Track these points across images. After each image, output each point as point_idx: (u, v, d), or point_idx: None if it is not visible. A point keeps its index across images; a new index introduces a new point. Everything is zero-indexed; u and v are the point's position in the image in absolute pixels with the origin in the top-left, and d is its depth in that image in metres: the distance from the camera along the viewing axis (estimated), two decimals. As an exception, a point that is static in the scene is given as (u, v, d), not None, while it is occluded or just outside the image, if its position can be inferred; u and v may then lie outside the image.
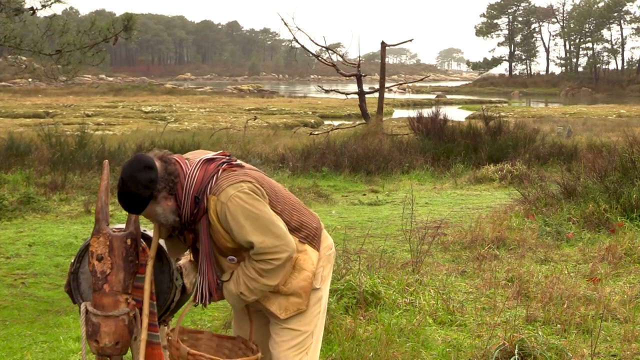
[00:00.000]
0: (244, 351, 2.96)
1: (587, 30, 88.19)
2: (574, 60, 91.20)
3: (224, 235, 2.76)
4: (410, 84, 63.18)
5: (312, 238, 2.94)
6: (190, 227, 2.84)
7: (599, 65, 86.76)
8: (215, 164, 2.80)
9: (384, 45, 20.42)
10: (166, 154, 2.79)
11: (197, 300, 2.86)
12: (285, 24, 20.67)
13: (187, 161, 2.82)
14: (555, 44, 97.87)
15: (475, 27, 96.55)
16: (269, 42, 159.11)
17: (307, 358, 2.96)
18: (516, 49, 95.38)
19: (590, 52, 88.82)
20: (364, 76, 21.00)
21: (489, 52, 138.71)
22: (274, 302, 2.86)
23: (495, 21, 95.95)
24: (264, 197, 2.77)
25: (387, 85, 21.58)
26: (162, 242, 3.21)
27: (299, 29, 20.89)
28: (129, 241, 2.92)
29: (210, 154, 2.87)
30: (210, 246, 2.80)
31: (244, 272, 2.78)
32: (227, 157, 2.86)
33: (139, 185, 2.69)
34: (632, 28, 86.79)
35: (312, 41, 20.90)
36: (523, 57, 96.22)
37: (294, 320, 2.90)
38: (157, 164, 2.73)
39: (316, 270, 2.92)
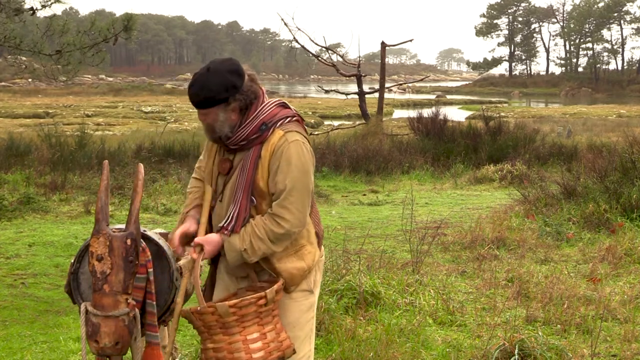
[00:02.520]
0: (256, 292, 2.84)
1: (587, 30, 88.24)
2: (574, 60, 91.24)
3: (263, 172, 2.73)
4: (410, 84, 63.18)
5: (319, 237, 2.96)
6: (233, 149, 2.79)
7: (599, 65, 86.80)
8: (292, 111, 2.84)
9: (384, 45, 20.42)
10: (256, 76, 2.82)
11: (224, 223, 2.77)
12: (285, 24, 20.70)
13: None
14: (555, 44, 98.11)
15: (475, 27, 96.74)
16: (269, 42, 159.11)
17: None
18: (516, 49, 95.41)
19: (590, 52, 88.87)
20: (364, 76, 21.01)
21: (489, 52, 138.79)
22: (262, 262, 2.82)
23: (495, 21, 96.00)
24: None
25: (387, 85, 21.59)
26: (163, 242, 3.21)
27: (299, 29, 20.93)
28: (129, 241, 2.92)
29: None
30: (253, 175, 2.74)
31: (253, 230, 2.72)
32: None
33: (222, 83, 2.69)
34: (632, 28, 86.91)
35: (312, 41, 20.95)
36: (523, 57, 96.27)
37: (289, 327, 2.86)
38: (246, 77, 2.75)
39: (313, 268, 2.91)
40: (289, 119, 2.79)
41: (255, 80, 2.78)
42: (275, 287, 2.73)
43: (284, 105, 2.85)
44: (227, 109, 2.72)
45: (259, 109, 2.77)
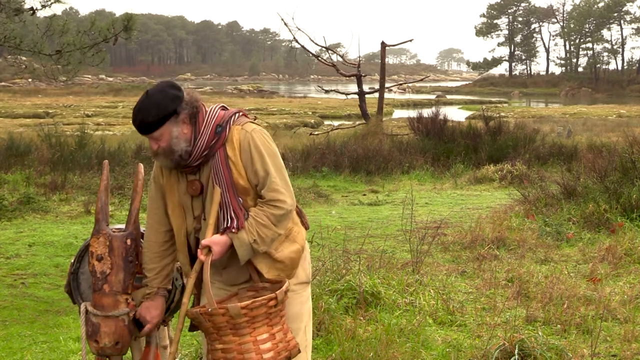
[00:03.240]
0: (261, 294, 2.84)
1: (587, 30, 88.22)
2: (574, 60, 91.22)
3: (239, 170, 2.77)
4: (410, 84, 63.18)
5: (301, 216, 3.01)
6: (197, 166, 2.80)
7: (599, 65, 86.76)
8: (235, 109, 2.91)
9: (384, 45, 20.41)
10: (192, 90, 2.89)
11: (225, 225, 2.77)
12: (285, 24, 20.68)
13: None
14: (555, 44, 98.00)
15: (475, 27, 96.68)
16: (269, 42, 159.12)
17: (305, 356, 2.96)
18: (516, 49, 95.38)
19: (590, 52, 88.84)
20: (364, 76, 21.00)
21: (489, 52, 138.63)
22: (261, 261, 2.83)
23: (495, 21, 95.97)
24: None
25: (387, 85, 21.57)
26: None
27: (299, 29, 20.91)
28: (129, 241, 2.93)
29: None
30: (230, 176, 2.76)
31: (256, 220, 2.75)
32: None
33: (165, 97, 2.74)
34: (632, 28, 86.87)
35: (312, 41, 20.92)
36: (523, 57, 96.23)
37: (290, 320, 2.88)
38: (184, 90, 2.82)
39: (305, 246, 2.94)
40: (237, 115, 2.86)
41: (191, 92, 2.85)
42: (284, 287, 2.74)
43: (225, 108, 2.92)
44: (177, 122, 2.76)
45: (207, 117, 2.82)
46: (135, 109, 2.78)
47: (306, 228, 3.01)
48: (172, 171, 2.89)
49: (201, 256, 2.75)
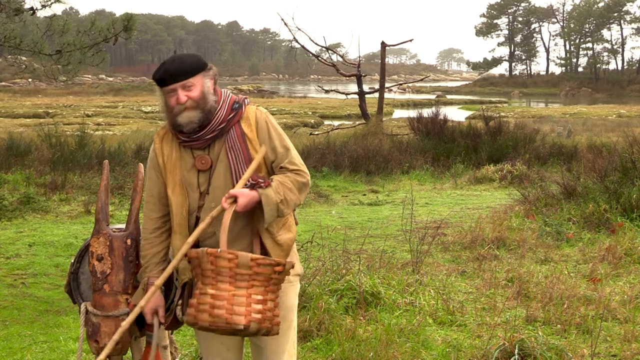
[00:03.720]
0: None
1: (587, 30, 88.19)
2: (574, 60, 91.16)
3: (255, 145, 2.82)
4: (410, 84, 63.14)
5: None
6: (210, 137, 2.80)
7: (599, 65, 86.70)
8: (242, 96, 3.00)
9: (384, 45, 20.41)
10: None
11: (253, 182, 2.76)
12: (285, 24, 20.66)
13: None
14: (555, 44, 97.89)
15: (475, 27, 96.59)
16: (269, 42, 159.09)
17: (293, 351, 2.99)
18: (516, 49, 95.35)
19: (590, 52, 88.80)
20: (364, 76, 20.99)
21: (489, 52, 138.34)
22: (265, 241, 2.83)
23: (495, 21, 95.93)
24: None
25: (387, 85, 21.56)
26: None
27: (299, 29, 20.89)
28: (129, 241, 2.93)
29: None
30: (247, 151, 2.80)
31: (282, 184, 2.78)
32: None
33: (196, 56, 2.86)
34: (632, 28, 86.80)
35: (312, 41, 20.91)
36: (523, 57, 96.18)
37: (288, 310, 2.90)
38: None
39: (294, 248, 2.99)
40: (247, 98, 2.96)
41: None
42: (291, 261, 2.77)
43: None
44: (208, 75, 2.82)
45: (223, 94, 2.88)
46: (166, 60, 2.80)
47: (296, 224, 3.03)
48: (173, 148, 2.86)
49: (224, 204, 2.70)
